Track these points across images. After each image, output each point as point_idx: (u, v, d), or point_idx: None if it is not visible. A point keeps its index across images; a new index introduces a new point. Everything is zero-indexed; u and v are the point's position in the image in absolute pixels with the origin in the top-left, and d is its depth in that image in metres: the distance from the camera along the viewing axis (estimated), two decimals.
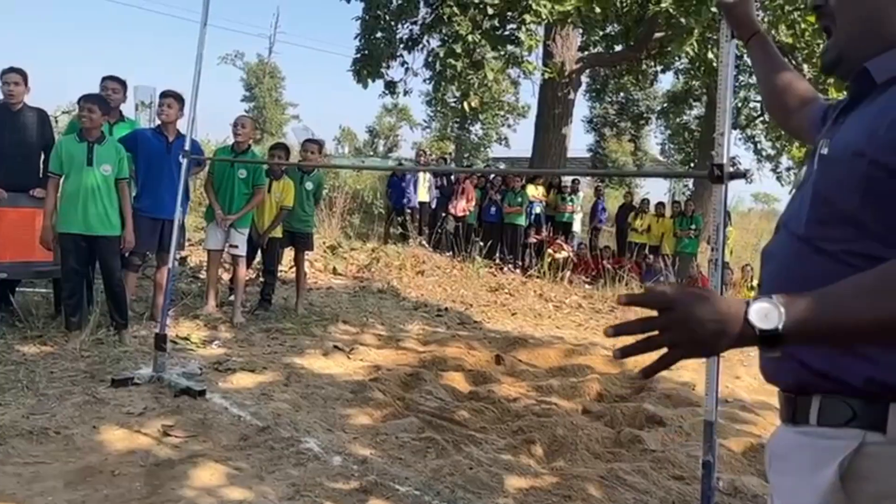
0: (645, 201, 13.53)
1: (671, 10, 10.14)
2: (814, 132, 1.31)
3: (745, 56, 2.08)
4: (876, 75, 1.04)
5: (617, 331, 0.96)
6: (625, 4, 11.66)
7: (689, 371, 5.46)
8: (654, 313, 0.95)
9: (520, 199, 11.67)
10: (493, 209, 11.80)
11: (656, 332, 0.94)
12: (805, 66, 11.58)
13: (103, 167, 4.57)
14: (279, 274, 6.77)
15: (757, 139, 19.82)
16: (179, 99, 5.18)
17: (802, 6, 10.21)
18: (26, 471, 2.76)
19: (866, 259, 0.98)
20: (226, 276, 6.69)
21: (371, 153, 36.29)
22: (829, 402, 1.04)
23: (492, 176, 13.48)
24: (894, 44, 1.05)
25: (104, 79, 5.30)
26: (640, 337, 0.97)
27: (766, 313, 0.89)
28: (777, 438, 1.17)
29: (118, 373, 4.01)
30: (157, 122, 5.53)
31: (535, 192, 12.16)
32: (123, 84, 5.51)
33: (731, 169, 1.86)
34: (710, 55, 11.35)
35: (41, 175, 5.02)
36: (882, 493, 0.98)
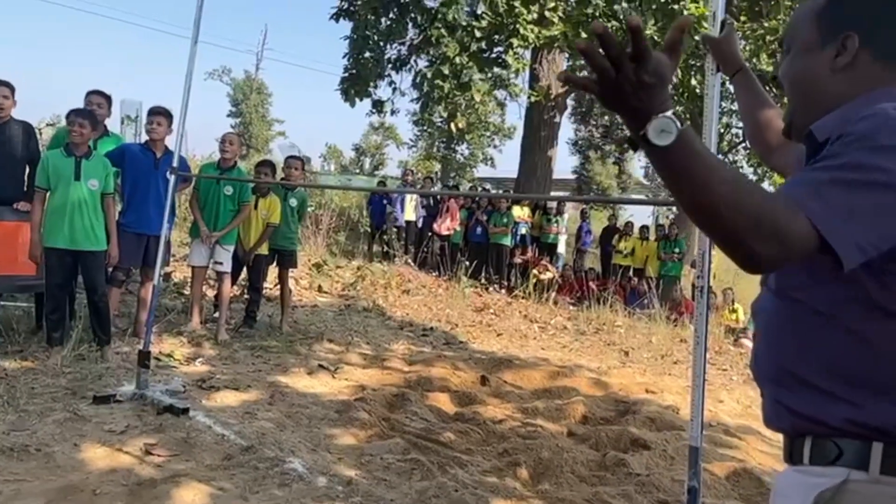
0: (629, 224, 13.66)
1: (655, 38, 10.31)
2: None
3: (726, 83, 2.14)
4: (818, 136, 1.14)
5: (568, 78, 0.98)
6: (610, 30, 11.84)
7: (673, 394, 5.51)
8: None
9: (505, 220, 11.73)
10: (479, 229, 11.85)
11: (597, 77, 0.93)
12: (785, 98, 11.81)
13: (90, 182, 4.55)
14: (264, 291, 6.75)
15: (739, 164, 20.08)
16: (169, 116, 5.20)
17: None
18: (7, 488, 2.71)
19: (815, 303, 1.09)
20: (210, 293, 6.65)
21: (357, 171, 36.34)
22: (819, 442, 1.11)
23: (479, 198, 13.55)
24: (832, 109, 1.15)
25: (89, 93, 5.29)
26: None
27: (662, 128, 0.91)
28: (780, 477, 1.24)
29: (100, 390, 3.96)
30: (144, 137, 5.52)
31: (520, 212, 12.24)
32: (108, 98, 5.51)
33: None
34: (692, 82, 11.56)
35: (25, 189, 4.99)
36: None
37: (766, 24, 10.49)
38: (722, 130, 18.50)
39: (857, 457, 1.05)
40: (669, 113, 0.91)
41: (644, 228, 13.26)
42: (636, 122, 0.93)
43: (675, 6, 9.85)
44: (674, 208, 20.05)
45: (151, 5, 66.96)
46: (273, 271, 6.78)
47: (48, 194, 4.53)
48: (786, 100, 1.31)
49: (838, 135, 1.05)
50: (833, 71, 1.17)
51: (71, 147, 4.54)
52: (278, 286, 6.88)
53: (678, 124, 0.92)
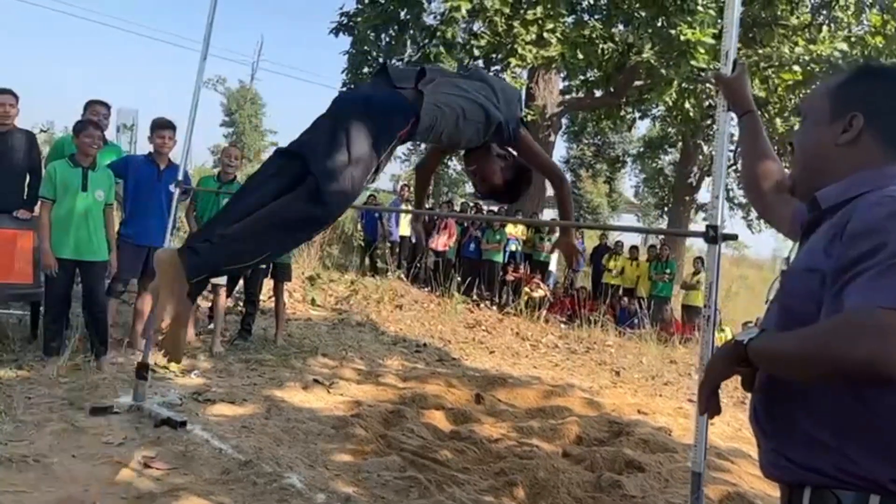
0: (618, 244, 13.75)
1: (652, 62, 10.47)
2: (796, 228, 1.48)
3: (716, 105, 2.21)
4: (822, 202, 1.26)
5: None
6: (606, 52, 12.00)
7: (665, 416, 5.55)
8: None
9: (498, 237, 11.80)
10: (472, 245, 11.91)
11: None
12: (777, 120, 12.01)
13: (97, 193, 4.58)
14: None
15: (729, 187, 20.31)
16: (175, 129, 5.22)
17: (777, 63, 10.62)
18: (6, 499, 2.70)
19: None
20: (204, 305, 6.65)
21: None
22: (819, 493, 1.16)
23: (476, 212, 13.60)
24: (836, 179, 1.26)
25: (92, 103, 5.31)
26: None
27: (750, 331, 1.21)
28: None
29: (97, 401, 3.95)
30: (141, 145, 5.54)
31: (513, 229, 12.30)
32: (109, 108, 5.54)
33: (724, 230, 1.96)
34: (687, 105, 11.72)
35: (25, 197, 4.99)
36: None
37: (759, 51, 10.67)
38: (714, 153, 18.69)
39: None
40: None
41: (633, 248, 13.37)
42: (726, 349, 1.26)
43: (672, 31, 9.99)
44: (663, 226, 20.24)
45: (139, 11, 67.02)
46: (267, 284, 6.79)
47: (53, 205, 4.53)
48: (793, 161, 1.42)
49: (845, 222, 1.15)
50: (838, 145, 1.27)
51: (78, 158, 4.56)
52: (272, 299, 6.90)
53: (755, 329, 1.21)
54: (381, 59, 12.79)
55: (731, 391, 7.23)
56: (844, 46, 9.92)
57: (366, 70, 12.85)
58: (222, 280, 5.77)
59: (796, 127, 9.44)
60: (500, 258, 11.88)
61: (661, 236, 17.06)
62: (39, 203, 4.58)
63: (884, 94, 1.27)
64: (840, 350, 1.00)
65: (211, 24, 3.98)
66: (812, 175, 1.33)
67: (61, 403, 3.88)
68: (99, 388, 4.24)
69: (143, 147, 6.62)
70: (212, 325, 5.93)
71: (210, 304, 6.28)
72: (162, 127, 5.21)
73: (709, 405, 1.30)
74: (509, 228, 12.18)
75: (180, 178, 4.18)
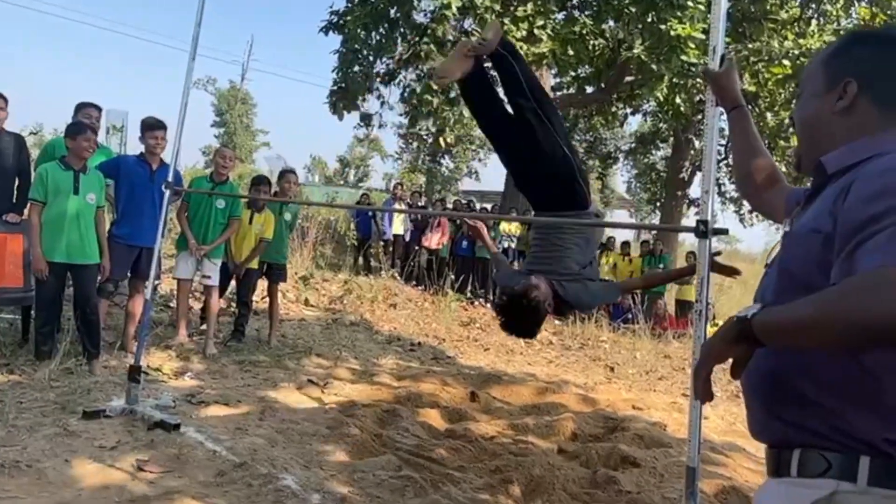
0: (611, 240, 13.77)
1: (643, 57, 10.48)
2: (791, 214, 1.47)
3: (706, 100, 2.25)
4: (828, 167, 1.26)
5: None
6: (597, 49, 12.01)
7: (659, 411, 5.56)
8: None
9: (493, 234, 11.79)
10: (465, 243, 11.90)
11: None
12: (768, 115, 12.04)
13: (89, 196, 4.56)
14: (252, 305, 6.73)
15: (721, 181, 20.36)
16: (166, 129, 5.21)
17: (766, 58, 10.65)
18: None
19: None
20: (196, 306, 6.62)
21: (342, 183, 36.30)
22: (808, 454, 1.17)
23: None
24: (834, 147, 1.27)
25: (84, 106, 5.27)
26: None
27: (749, 307, 1.15)
28: (762, 490, 1.30)
29: (89, 404, 3.93)
30: (131, 147, 5.51)
31: (507, 226, 12.31)
32: (100, 110, 5.50)
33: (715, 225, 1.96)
34: (678, 100, 11.73)
35: (14, 201, 4.96)
36: None
37: (749, 46, 10.69)
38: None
39: (846, 469, 1.12)
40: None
41: (625, 244, 13.39)
42: (726, 329, 1.18)
43: (663, 26, 10.00)
44: (655, 222, 20.29)
45: (126, 11, 66.63)
46: (261, 284, 6.76)
47: (43, 208, 4.49)
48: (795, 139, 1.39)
49: (850, 183, 1.14)
50: (834, 113, 1.28)
51: (69, 161, 4.53)
52: (265, 299, 6.88)
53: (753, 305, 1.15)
54: (371, 58, 12.78)
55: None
56: (833, 40, 9.94)
57: (356, 69, 12.82)
58: (214, 281, 5.75)
59: (787, 121, 9.46)
60: None
61: (654, 232, 17.13)
62: (29, 206, 4.54)
63: (875, 58, 1.28)
64: (861, 309, 0.97)
65: (199, 24, 3.96)
66: (813, 146, 1.33)
67: (53, 407, 3.85)
68: (91, 391, 4.22)
69: (133, 149, 6.59)
70: (204, 327, 5.90)
71: (202, 306, 6.26)
72: (154, 127, 5.19)
73: (705, 390, 1.26)
74: (503, 226, 12.18)
75: (171, 178, 4.15)
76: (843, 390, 1.14)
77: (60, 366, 4.47)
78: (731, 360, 1.25)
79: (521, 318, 3.05)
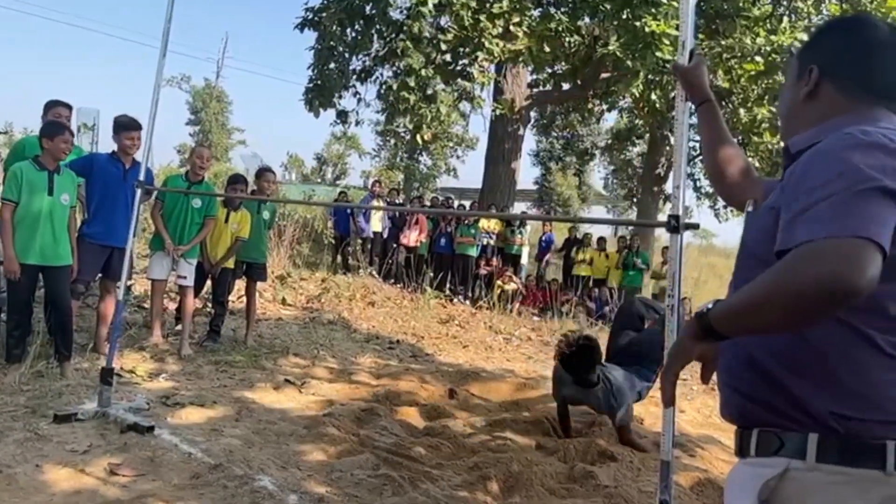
0: (587, 235, 13.85)
1: (618, 53, 10.54)
2: None
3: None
4: (791, 149, 1.32)
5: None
6: (573, 45, 12.06)
7: (637, 405, 5.59)
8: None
9: (472, 231, 11.81)
10: (443, 240, 11.90)
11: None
12: (741, 111, 12.18)
13: (63, 196, 4.48)
14: (228, 304, 6.67)
15: (696, 177, 20.59)
16: (142, 129, 5.13)
17: (739, 54, 10.76)
18: None
19: None
20: (171, 306, 6.54)
21: (319, 181, 36.12)
22: (764, 434, 1.24)
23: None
24: (808, 128, 1.33)
25: (54, 104, 5.17)
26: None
27: (706, 304, 1.22)
28: (732, 470, 1.37)
29: (60, 408, 3.86)
30: (102, 145, 5.41)
31: (486, 223, 12.33)
32: (70, 108, 5.40)
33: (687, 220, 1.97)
34: (653, 96, 11.82)
35: None
36: None
37: (722, 42, 10.80)
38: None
39: (796, 447, 1.17)
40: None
41: (601, 240, 13.49)
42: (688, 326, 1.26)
43: (637, 23, 10.07)
44: (633, 216, 20.47)
45: (96, 7, 65.55)
46: (238, 284, 6.70)
47: (16, 208, 4.39)
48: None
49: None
50: (802, 100, 1.35)
51: (43, 161, 4.44)
52: (242, 299, 6.81)
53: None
54: (347, 54, 12.71)
55: None
56: (805, 36, 10.07)
57: (332, 66, 12.74)
58: (189, 281, 5.68)
59: (759, 117, 9.57)
60: (473, 252, 11.90)
61: (631, 228, 17.27)
62: (1, 205, 4.42)
63: (837, 44, 1.33)
64: (794, 281, 1.03)
65: (170, 20, 3.90)
66: (789, 133, 1.39)
67: (24, 411, 3.78)
68: (63, 394, 4.15)
69: (106, 147, 6.47)
70: (179, 328, 5.83)
71: (177, 306, 6.18)
72: (130, 128, 5.11)
73: (672, 394, 1.31)
74: (482, 223, 12.20)
75: (142, 177, 4.09)
76: (799, 367, 1.19)
77: (31, 369, 4.39)
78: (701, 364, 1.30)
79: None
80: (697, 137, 14.35)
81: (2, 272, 4.60)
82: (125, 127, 5.12)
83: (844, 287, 1.00)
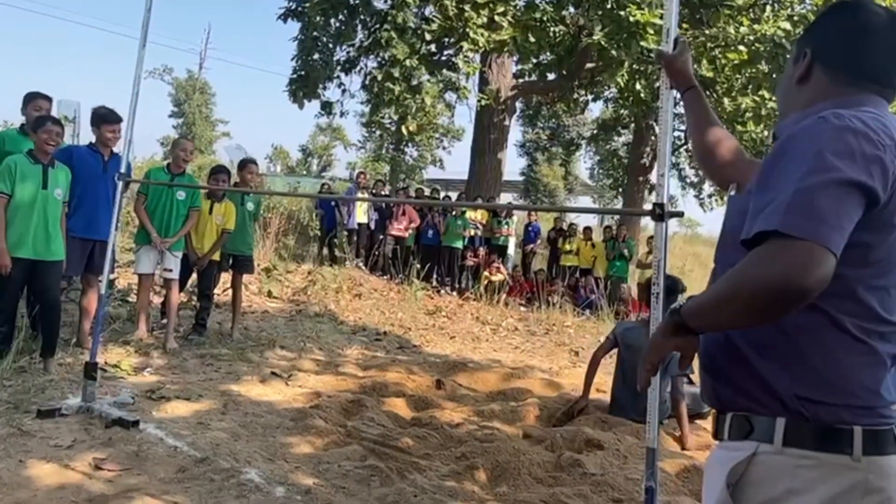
0: (572, 226, 13.89)
1: (603, 43, 10.54)
2: None
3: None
4: (778, 134, 1.33)
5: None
6: (558, 35, 12.04)
7: None
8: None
9: (460, 222, 11.80)
10: (430, 232, 11.88)
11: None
12: (725, 100, 12.23)
13: (56, 191, 4.43)
14: (213, 297, 6.63)
15: (681, 166, 20.68)
16: (122, 121, 5.07)
17: (723, 44, 10.79)
18: None
19: None
20: (156, 300, 6.49)
21: (304, 173, 35.93)
22: (736, 418, 1.26)
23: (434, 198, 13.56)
24: (798, 111, 1.33)
25: (33, 96, 5.08)
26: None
27: (679, 301, 1.28)
28: (710, 454, 1.39)
29: (44, 403, 3.82)
30: (83, 138, 5.32)
31: (473, 214, 12.32)
32: (50, 100, 5.33)
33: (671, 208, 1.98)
34: (638, 86, 11.84)
35: None
36: (769, 497, 1.17)
37: (707, 32, 10.82)
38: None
39: (765, 431, 1.19)
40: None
41: (587, 230, 13.53)
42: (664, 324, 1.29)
43: (622, 12, 10.07)
44: (619, 206, 20.58)
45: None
46: (224, 277, 6.66)
47: (8, 201, 4.33)
48: None
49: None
50: (795, 84, 1.36)
51: (37, 154, 4.38)
52: (227, 292, 6.77)
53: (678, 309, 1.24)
54: (331, 45, 12.62)
55: None
56: (788, 25, 10.11)
57: (316, 56, 12.65)
58: (175, 274, 5.63)
59: (744, 106, 9.61)
60: (460, 244, 11.90)
61: (617, 218, 17.34)
62: None
63: (828, 27, 1.33)
64: (750, 280, 1.07)
65: (149, 9, 3.85)
66: (784, 117, 1.40)
67: (6, 407, 3.73)
68: (46, 390, 4.11)
69: (87, 140, 6.37)
70: (164, 321, 5.79)
71: (163, 300, 6.14)
72: (111, 121, 5.04)
73: (647, 380, 1.34)
74: (469, 213, 12.19)
75: (123, 170, 4.04)
76: (768, 350, 1.21)
77: (14, 364, 4.34)
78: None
79: None
80: (683, 127, 14.42)
81: None
82: (105, 119, 5.05)
83: (794, 290, 1.04)
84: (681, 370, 1.36)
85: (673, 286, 4.54)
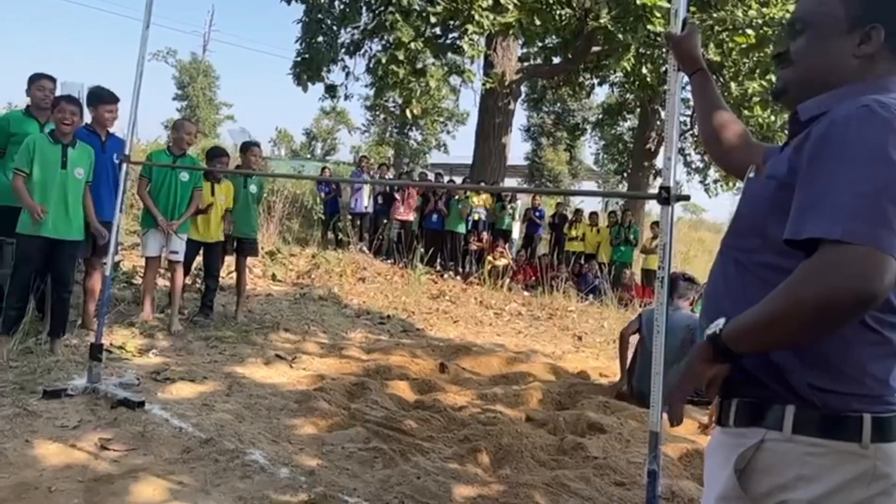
0: (579, 212, 13.84)
1: (609, 26, 10.45)
2: None
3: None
4: (801, 115, 1.25)
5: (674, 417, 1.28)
6: (564, 18, 11.94)
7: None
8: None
9: (460, 205, 11.77)
10: (434, 216, 11.86)
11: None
12: (732, 85, 12.14)
13: (77, 170, 4.42)
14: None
15: (686, 152, 20.56)
16: (119, 101, 5.06)
17: (731, 27, 10.69)
18: None
19: (768, 268, 1.20)
20: (161, 283, 6.50)
21: (308, 156, 35.85)
22: (743, 404, 1.24)
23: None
24: (828, 90, 1.25)
25: (38, 77, 5.06)
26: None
27: (716, 323, 1.19)
28: (711, 439, 1.38)
29: (50, 384, 3.85)
30: (88, 118, 5.28)
31: (477, 199, 12.30)
32: (54, 81, 5.31)
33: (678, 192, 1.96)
34: (644, 70, 11.76)
35: None
36: (778, 485, 1.17)
37: (714, 15, 10.72)
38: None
39: (774, 418, 1.18)
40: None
41: (593, 215, 13.49)
42: (700, 350, 1.22)
43: None
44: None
45: None
46: (227, 260, 6.66)
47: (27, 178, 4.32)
48: (781, 70, 1.38)
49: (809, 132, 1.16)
50: (852, 58, 1.24)
51: (57, 134, 4.38)
52: (232, 275, 6.78)
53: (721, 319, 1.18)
54: (335, 27, 12.54)
55: None
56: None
57: (320, 39, 12.57)
58: (180, 256, 5.65)
59: (751, 90, 9.47)
60: (462, 228, 11.88)
61: (621, 203, 17.28)
62: (13, 175, 4.34)
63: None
64: (813, 295, 1.03)
65: None
66: (809, 85, 1.28)
67: (12, 388, 3.76)
68: (52, 371, 4.13)
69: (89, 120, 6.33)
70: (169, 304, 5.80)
71: (169, 282, 6.15)
72: (108, 101, 5.03)
73: (681, 413, 1.26)
74: (473, 198, 12.17)
75: (128, 151, 4.03)
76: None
77: (20, 345, 4.36)
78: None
79: None
80: (688, 112, 14.31)
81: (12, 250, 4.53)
82: (103, 99, 5.04)
83: (862, 300, 1.01)
84: (708, 398, 1.30)
85: (673, 283, 4.73)
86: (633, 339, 5.07)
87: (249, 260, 6.72)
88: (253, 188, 6.25)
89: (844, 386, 1.15)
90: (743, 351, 1.15)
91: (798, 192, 1.12)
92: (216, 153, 6.23)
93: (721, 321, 1.17)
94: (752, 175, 1.35)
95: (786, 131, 1.36)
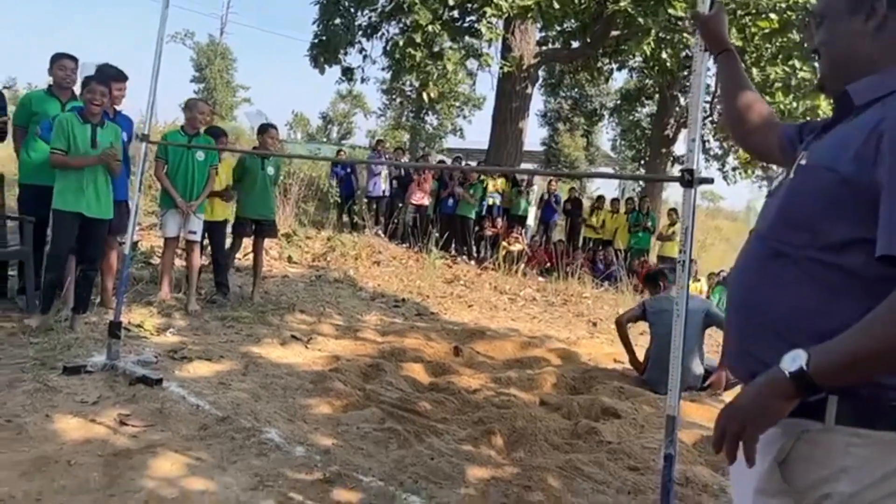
0: (601, 198, 13.74)
1: (629, 10, 10.32)
2: (788, 150, 1.45)
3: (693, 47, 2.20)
4: (855, 98, 1.20)
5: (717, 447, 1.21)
6: (583, 2, 11.80)
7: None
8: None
9: (471, 190, 11.75)
10: (450, 201, 11.84)
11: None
12: (754, 70, 11.96)
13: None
14: (235, 262, 6.69)
15: (705, 138, 20.32)
16: (127, 79, 5.12)
17: (753, 11, 10.52)
18: None
19: (819, 264, 1.15)
20: (178, 263, 6.55)
21: (324, 140, 35.88)
22: None
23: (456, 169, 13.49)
24: (872, 72, 1.20)
25: (59, 57, 5.08)
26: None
27: (793, 357, 1.09)
28: None
29: (70, 360, 3.90)
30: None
31: (493, 184, 12.25)
32: (76, 61, 5.33)
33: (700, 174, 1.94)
34: (664, 55, 11.61)
35: None
36: (821, 476, 1.14)
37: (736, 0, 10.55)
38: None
39: (815, 409, 1.14)
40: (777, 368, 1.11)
41: (615, 201, 13.39)
42: (773, 387, 1.13)
43: None
44: (641, 182, 20.33)
45: None
46: (245, 241, 6.70)
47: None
48: (818, 65, 1.37)
49: (878, 121, 1.10)
50: (864, 35, 1.22)
51: (86, 114, 4.43)
52: (249, 256, 6.82)
53: (796, 350, 1.10)
54: (352, 9, 12.48)
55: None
56: None
57: (337, 21, 12.53)
58: (198, 236, 5.69)
59: (773, 76, 9.32)
60: (472, 213, 11.85)
61: (638, 190, 17.15)
62: (52, 155, 4.39)
63: None
64: None
65: None
66: (840, 73, 1.27)
67: (33, 363, 3.82)
68: (71, 347, 4.19)
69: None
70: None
71: (186, 263, 6.19)
72: (119, 79, 5.08)
73: (755, 453, 1.16)
74: (490, 183, 12.12)
75: (147, 131, 4.05)
76: (823, 335, 1.13)
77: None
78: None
79: None
80: (707, 98, 14.12)
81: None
82: (113, 77, 5.07)
83: None
84: (760, 432, 1.15)
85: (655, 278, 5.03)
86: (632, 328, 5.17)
87: (266, 242, 6.75)
88: (270, 170, 6.26)
89: (888, 377, 1.12)
90: (837, 384, 1.09)
91: (888, 201, 1.05)
92: (216, 133, 6.25)
93: (800, 355, 1.08)
94: (803, 162, 1.26)
95: (807, 117, 1.32)
